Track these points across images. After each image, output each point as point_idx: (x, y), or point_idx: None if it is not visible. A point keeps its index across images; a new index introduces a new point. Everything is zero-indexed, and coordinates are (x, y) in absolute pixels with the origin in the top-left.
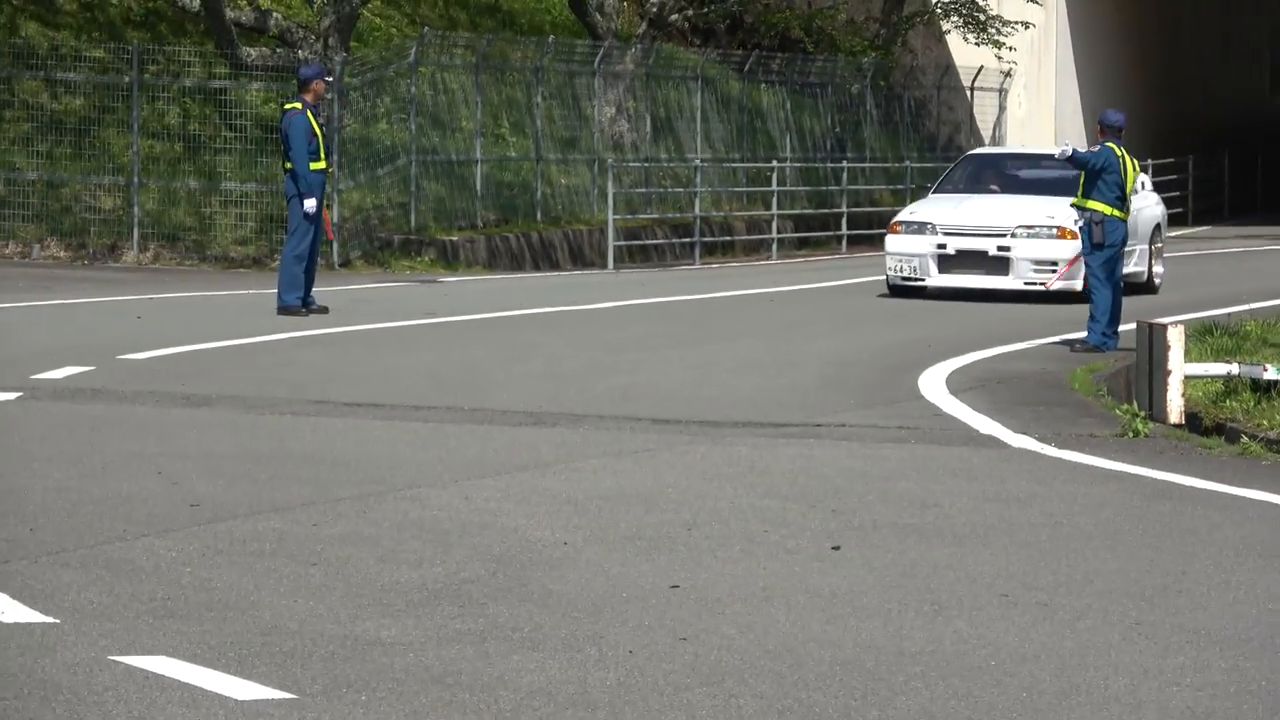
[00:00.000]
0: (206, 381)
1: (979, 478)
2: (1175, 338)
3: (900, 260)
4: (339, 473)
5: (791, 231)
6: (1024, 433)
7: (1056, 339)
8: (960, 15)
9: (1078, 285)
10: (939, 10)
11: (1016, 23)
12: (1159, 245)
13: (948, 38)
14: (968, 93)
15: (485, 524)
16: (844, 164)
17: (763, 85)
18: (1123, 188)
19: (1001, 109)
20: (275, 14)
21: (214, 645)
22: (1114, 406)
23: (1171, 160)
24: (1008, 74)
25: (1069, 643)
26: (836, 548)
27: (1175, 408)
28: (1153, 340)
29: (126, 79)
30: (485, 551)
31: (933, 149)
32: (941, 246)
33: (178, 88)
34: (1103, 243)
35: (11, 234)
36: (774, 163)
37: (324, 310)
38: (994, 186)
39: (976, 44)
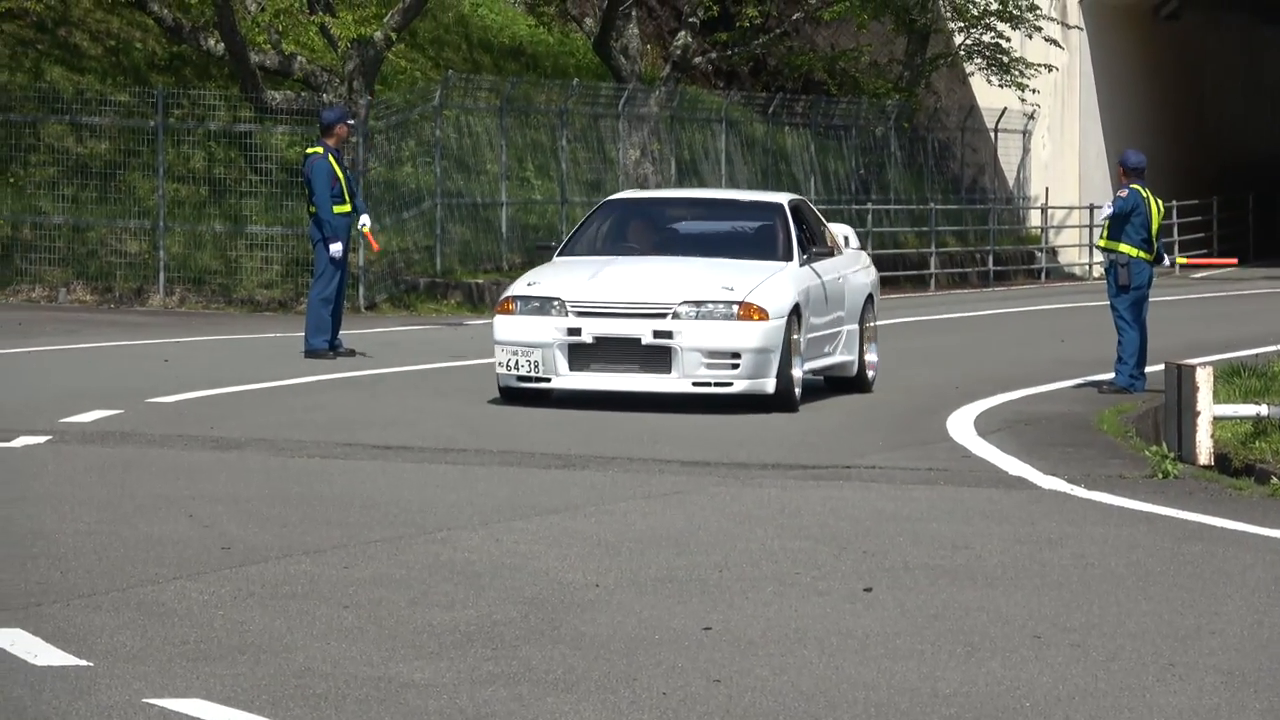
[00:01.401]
0: (235, 424)
1: (1010, 519)
2: (1204, 379)
3: (515, 353)
4: (370, 515)
5: None
6: (1054, 474)
7: (1083, 380)
8: (984, 57)
9: (769, 386)
10: (962, 52)
11: (1040, 65)
12: (871, 325)
13: (971, 79)
14: (991, 134)
15: (517, 566)
16: (869, 206)
17: (787, 127)
18: (1149, 229)
19: (1025, 151)
20: (300, 57)
21: (247, 688)
22: (1143, 448)
23: (1195, 201)
24: (1031, 116)
25: (1103, 684)
26: (869, 589)
27: (1204, 449)
28: (1181, 381)
29: (151, 123)
30: (517, 594)
31: (957, 191)
32: (574, 332)
33: (203, 131)
34: (1128, 285)
35: (38, 278)
36: None
37: (351, 353)
38: (650, 246)
39: (1000, 86)
